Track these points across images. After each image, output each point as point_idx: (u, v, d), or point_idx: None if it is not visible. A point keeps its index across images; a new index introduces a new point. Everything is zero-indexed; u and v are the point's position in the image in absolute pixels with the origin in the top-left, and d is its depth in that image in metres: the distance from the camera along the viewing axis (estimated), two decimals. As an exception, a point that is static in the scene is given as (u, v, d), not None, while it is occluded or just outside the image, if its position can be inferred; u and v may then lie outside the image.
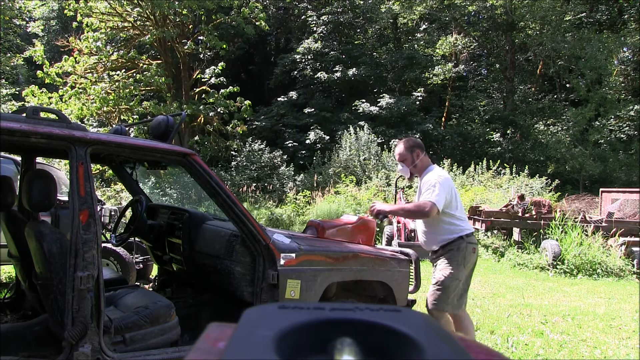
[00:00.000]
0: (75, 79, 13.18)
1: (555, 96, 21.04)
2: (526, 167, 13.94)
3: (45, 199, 2.21)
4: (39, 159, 3.64)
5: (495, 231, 9.35)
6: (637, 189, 10.04)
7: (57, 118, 2.11)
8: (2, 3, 18.47)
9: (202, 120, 15.79)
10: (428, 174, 3.06)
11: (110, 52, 14.54)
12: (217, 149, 16.35)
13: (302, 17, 21.18)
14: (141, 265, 5.16)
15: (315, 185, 13.74)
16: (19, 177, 3.95)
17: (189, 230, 2.95)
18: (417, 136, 16.74)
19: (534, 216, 8.78)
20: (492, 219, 8.76)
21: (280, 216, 11.66)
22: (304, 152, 17.72)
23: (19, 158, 4.20)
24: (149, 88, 14.85)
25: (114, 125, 3.58)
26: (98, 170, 12.10)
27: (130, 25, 14.59)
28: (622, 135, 18.86)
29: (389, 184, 12.24)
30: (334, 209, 10.65)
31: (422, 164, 3.12)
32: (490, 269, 7.91)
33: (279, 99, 19.77)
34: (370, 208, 3.13)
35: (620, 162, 17.37)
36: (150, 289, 3.98)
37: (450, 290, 2.95)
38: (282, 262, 2.46)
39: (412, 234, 7.70)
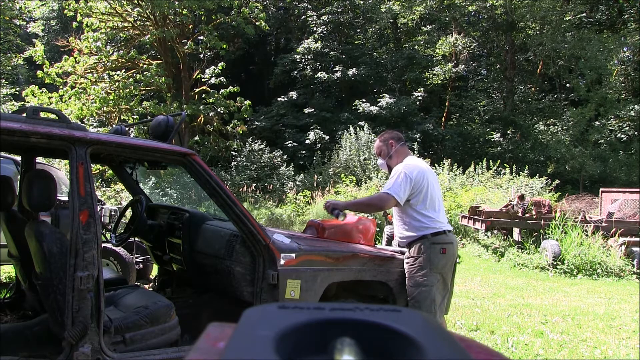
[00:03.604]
0: (75, 79, 13.18)
1: (555, 96, 21.04)
2: (526, 167, 13.95)
3: (45, 199, 2.21)
4: (39, 159, 3.64)
5: (495, 231, 9.35)
6: (637, 189, 10.04)
7: (57, 118, 2.11)
8: (2, 3, 18.46)
9: (202, 120, 15.80)
10: (398, 164, 2.90)
11: (110, 52, 14.55)
12: (217, 149, 16.36)
13: (302, 17, 21.19)
14: (141, 265, 5.17)
15: (315, 185, 13.74)
16: (19, 177, 3.95)
17: (189, 230, 2.95)
18: (417, 136, 16.76)
19: (534, 216, 8.78)
20: (492, 219, 8.75)
21: (280, 216, 11.66)
22: (304, 152, 17.72)
23: (19, 158, 4.20)
24: (149, 88, 14.86)
25: (114, 125, 3.58)
26: (98, 170, 12.10)
27: (130, 25, 14.59)
28: (622, 135, 18.85)
29: (389, 184, 12.22)
30: (334, 209, 10.62)
31: (397, 155, 2.97)
32: (490, 269, 7.91)
33: (279, 99, 19.77)
34: (325, 204, 2.93)
35: (620, 162, 17.37)
36: (150, 289, 3.98)
37: (423, 302, 2.71)
38: (282, 262, 2.46)
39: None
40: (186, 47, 14.95)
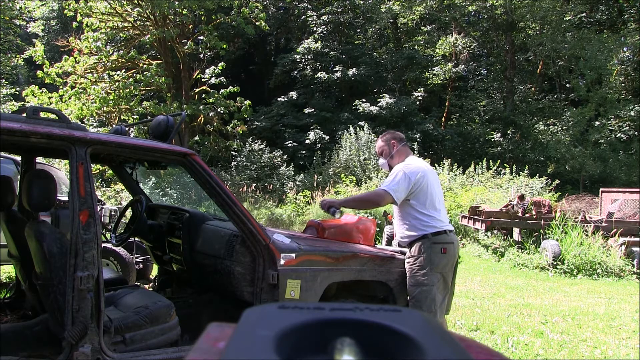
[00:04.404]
0: (75, 79, 13.17)
1: (555, 96, 21.05)
2: (526, 167, 13.95)
3: (45, 199, 2.21)
4: (39, 159, 3.64)
5: (495, 231, 9.35)
6: (637, 189, 10.04)
7: (57, 118, 2.11)
8: (2, 3, 18.47)
9: (202, 120, 15.80)
10: (399, 163, 2.92)
11: (110, 52, 14.54)
12: (217, 149, 16.36)
13: (302, 17, 21.19)
14: (141, 265, 5.16)
15: (315, 185, 13.74)
16: (19, 177, 3.95)
17: (189, 230, 2.95)
18: (417, 136, 16.77)
19: (534, 216, 8.78)
20: (492, 219, 8.75)
21: (280, 216, 11.66)
22: (304, 152, 17.73)
23: (19, 158, 4.20)
24: (149, 88, 14.85)
25: (114, 125, 3.58)
26: (98, 170, 12.10)
27: (130, 25, 14.59)
28: (622, 135, 18.87)
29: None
30: (334, 209, 10.63)
31: (399, 155, 3.00)
32: (490, 269, 7.91)
33: (279, 99, 19.78)
34: (321, 203, 2.96)
35: (620, 162, 17.38)
36: (150, 289, 3.98)
37: (423, 301, 2.72)
38: (282, 262, 2.45)
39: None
40: (186, 47, 14.95)
